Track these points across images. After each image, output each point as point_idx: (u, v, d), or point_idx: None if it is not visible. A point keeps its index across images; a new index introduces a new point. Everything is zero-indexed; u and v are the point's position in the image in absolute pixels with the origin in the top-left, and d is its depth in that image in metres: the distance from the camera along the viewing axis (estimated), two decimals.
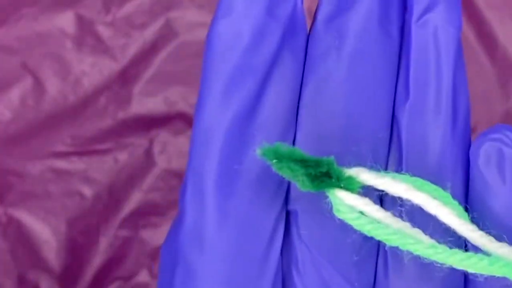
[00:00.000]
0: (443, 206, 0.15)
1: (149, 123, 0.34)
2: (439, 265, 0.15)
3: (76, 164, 0.34)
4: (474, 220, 0.15)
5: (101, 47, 0.34)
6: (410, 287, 0.16)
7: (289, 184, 0.16)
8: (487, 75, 0.34)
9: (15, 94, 0.34)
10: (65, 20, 0.34)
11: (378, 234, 0.15)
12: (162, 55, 0.34)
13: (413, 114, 0.15)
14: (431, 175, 0.15)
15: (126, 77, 0.34)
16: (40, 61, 0.34)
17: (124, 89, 0.34)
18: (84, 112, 0.34)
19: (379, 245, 0.16)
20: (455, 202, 0.15)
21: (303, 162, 0.14)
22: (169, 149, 0.34)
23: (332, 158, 0.14)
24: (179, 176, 0.34)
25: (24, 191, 0.34)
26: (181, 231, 0.16)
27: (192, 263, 0.16)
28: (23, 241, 0.34)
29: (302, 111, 0.15)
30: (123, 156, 0.34)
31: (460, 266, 0.15)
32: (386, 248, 0.16)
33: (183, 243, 0.16)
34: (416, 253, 0.15)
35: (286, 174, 0.14)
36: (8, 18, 0.33)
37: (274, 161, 0.14)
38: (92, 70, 0.34)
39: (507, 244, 0.15)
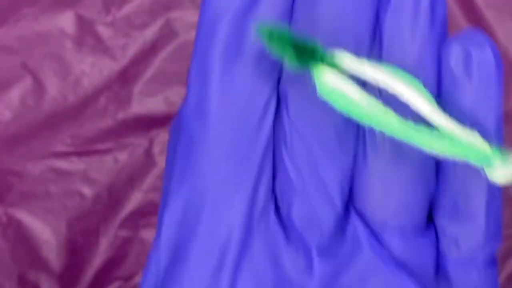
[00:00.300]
0: (417, 95, 0.17)
1: (149, 123, 0.34)
2: (411, 147, 0.17)
3: (76, 164, 0.34)
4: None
5: (101, 47, 0.34)
6: (386, 167, 0.18)
7: (281, 67, 0.18)
8: None
9: (15, 94, 0.34)
10: (65, 20, 0.34)
11: (353, 110, 0.17)
12: (162, 55, 0.34)
13: (393, 17, 0.17)
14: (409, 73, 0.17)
15: (126, 77, 0.34)
16: (40, 61, 0.34)
17: (124, 89, 0.34)
18: (84, 112, 0.34)
19: (359, 129, 0.18)
20: (428, 94, 0.17)
21: (292, 40, 0.16)
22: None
23: (314, 39, 0.16)
24: None
25: (24, 191, 0.34)
26: (185, 107, 0.18)
27: (194, 131, 0.18)
28: (23, 241, 0.34)
29: (296, 10, 0.18)
30: (123, 156, 0.34)
31: (426, 145, 0.17)
32: (365, 131, 0.18)
33: (186, 115, 0.18)
34: (387, 131, 0.17)
35: (276, 50, 0.16)
36: (8, 18, 0.33)
37: (267, 37, 0.16)
38: (92, 70, 0.34)
39: (472, 131, 0.17)
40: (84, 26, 0.34)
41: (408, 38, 0.18)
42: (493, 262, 0.20)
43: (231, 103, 0.18)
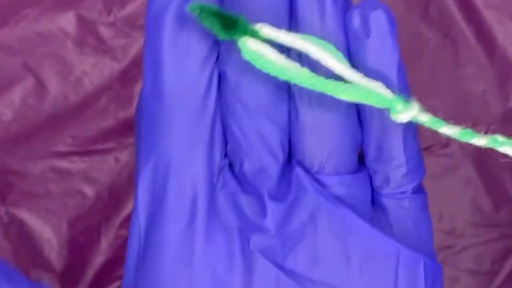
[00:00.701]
0: (325, 52, 0.20)
1: None
2: (335, 101, 0.21)
3: (77, 164, 0.34)
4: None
5: (102, 48, 0.34)
6: (316, 120, 0.21)
7: (219, 48, 0.21)
8: (486, 75, 0.34)
9: (16, 94, 0.34)
10: (66, 21, 0.34)
11: (274, 70, 0.20)
12: None
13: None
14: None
15: (127, 77, 0.34)
16: (41, 62, 0.34)
17: (125, 89, 0.34)
18: (85, 112, 0.34)
19: (289, 90, 0.22)
20: (339, 53, 0.20)
21: (219, 15, 0.19)
22: None
23: (240, 15, 0.19)
24: None
25: (25, 191, 0.34)
26: (143, 90, 0.22)
27: (153, 110, 0.22)
28: (25, 241, 0.34)
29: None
30: (124, 156, 0.34)
31: (336, 94, 0.20)
32: (294, 92, 0.21)
33: (146, 97, 0.22)
34: (303, 84, 0.20)
35: (206, 24, 0.19)
36: (10, 18, 0.33)
37: (199, 14, 0.19)
38: (93, 70, 0.34)
39: (376, 81, 0.20)
40: (85, 26, 0.34)
41: (318, 15, 0.21)
42: (420, 190, 0.23)
43: (180, 82, 0.21)
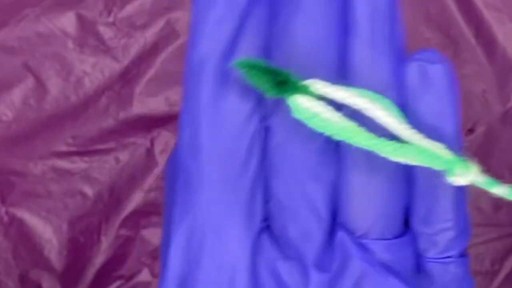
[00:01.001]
0: (382, 109, 0.19)
1: (150, 123, 0.34)
2: (385, 163, 0.19)
3: (77, 164, 0.34)
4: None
5: (102, 48, 0.34)
6: (364, 182, 0.20)
7: (264, 101, 0.20)
8: (486, 75, 0.34)
9: (17, 94, 0.34)
10: (67, 21, 0.34)
11: (329, 130, 0.18)
12: (163, 55, 0.34)
13: (360, 44, 0.19)
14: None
15: (127, 77, 0.34)
16: (42, 62, 0.34)
17: (126, 89, 0.34)
18: (86, 112, 0.34)
19: (338, 149, 0.20)
20: (395, 107, 0.19)
21: (267, 71, 0.18)
22: (170, 148, 0.35)
23: (289, 70, 0.18)
24: None
25: (26, 190, 0.34)
26: (179, 146, 0.20)
27: (188, 168, 0.20)
28: (25, 241, 0.34)
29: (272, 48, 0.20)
30: (124, 156, 0.34)
31: (394, 156, 0.19)
32: (344, 151, 0.20)
33: (181, 154, 0.20)
34: (359, 145, 0.19)
35: (253, 81, 0.18)
36: (10, 19, 0.33)
37: (246, 70, 0.18)
38: (93, 70, 0.34)
39: (435, 141, 0.19)
40: (86, 26, 0.34)
41: (371, 65, 0.19)
42: (465, 253, 0.22)
43: (220, 139, 0.20)
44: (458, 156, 0.19)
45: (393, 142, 0.19)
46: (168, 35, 0.34)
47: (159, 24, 0.34)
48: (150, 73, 0.34)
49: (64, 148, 0.34)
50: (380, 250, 0.21)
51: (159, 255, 0.35)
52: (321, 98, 0.19)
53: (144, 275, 0.34)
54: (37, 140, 0.34)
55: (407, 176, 0.21)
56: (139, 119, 0.34)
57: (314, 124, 0.18)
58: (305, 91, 0.18)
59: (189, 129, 0.20)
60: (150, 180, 0.34)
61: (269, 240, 0.21)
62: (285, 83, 0.18)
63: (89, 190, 0.34)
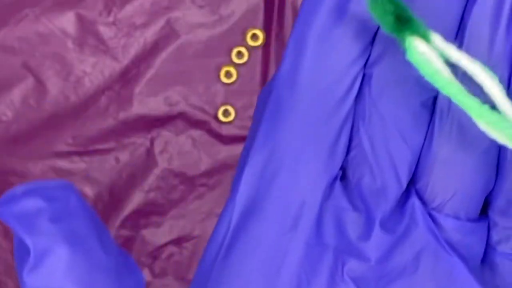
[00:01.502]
0: (491, 79, 0.18)
1: (150, 123, 0.34)
2: (477, 139, 0.18)
3: (77, 164, 0.34)
4: None
5: (102, 48, 0.34)
6: (451, 154, 0.20)
7: (370, 51, 0.19)
8: None
9: (16, 94, 0.34)
10: (67, 21, 0.34)
11: (437, 80, 0.18)
12: (163, 55, 0.34)
13: (477, 15, 0.19)
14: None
15: (127, 77, 0.34)
16: (42, 62, 0.34)
17: (125, 89, 0.34)
18: (85, 112, 0.34)
19: (433, 112, 0.20)
20: (502, 86, 0.18)
21: (394, 6, 0.17)
22: (170, 148, 0.35)
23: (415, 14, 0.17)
24: (180, 176, 0.35)
25: None
26: (278, 74, 0.20)
27: (283, 97, 0.20)
28: None
29: None
30: (124, 156, 0.34)
31: (489, 126, 0.18)
32: (437, 113, 0.19)
33: (278, 82, 0.20)
34: (461, 104, 0.18)
35: (377, 12, 0.18)
36: (10, 18, 0.33)
37: (372, 2, 0.18)
38: (93, 70, 0.34)
39: None
40: (85, 26, 0.34)
41: (488, 36, 0.19)
42: None
43: (321, 76, 0.19)
44: None
45: (494, 112, 0.18)
46: (168, 35, 0.34)
47: (159, 24, 0.34)
48: (150, 73, 0.34)
49: (64, 148, 0.34)
50: (450, 228, 0.20)
51: (159, 255, 0.35)
52: (436, 50, 0.18)
53: (144, 275, 0.34)
54: (37, 140, 0.34)
55: (497, 161, 0.20)
56: (139, 119, 0.34)
57: (424, 71, 0.18)
58: (424, 36, 0.18)
59: (292, 58, 0.20)
60: (150, 180, 0.34)
61: (341, 188, 0.20)
62: (408, 22, 0.18)
63: (89, 190, 0.34)
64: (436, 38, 0.18)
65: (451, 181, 0.20)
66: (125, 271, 0.21)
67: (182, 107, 0.34)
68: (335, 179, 0.20)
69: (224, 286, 0.20)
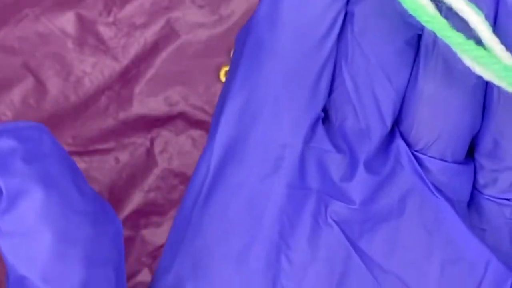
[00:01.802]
0: (477, 16, 0.18)
1: (150, 123, 0.34)
2: (467, 74, 0.18)
3: (77, 164, 0.34)
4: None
5: (102, 47, 0.34)
6: (436, 92, 0.19)
7: None
8: None
9: (16, 94, 0.34)
10: (66, 21, 0.34)
11: (421, 15, 0.17)
12: (163, 55, 0.34)
13: None
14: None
15: (127, 77, 0.34)
16: (41, 61, 0.34)
17: (125, 89, 0.34)
18: (85, 112, 0.34)
19: (418, 50, 0.19)
20: (487, 22, 0.18)
21: None
22: (170, 149, 0.35)
23: None
24: (180, 176, 0.35)
25: None
26: (256, 14, 0.19)
27: (261, 37, 0.19)
28: None
29: None
30: (124, 156, 0.34)
31: (473, 60, 0.17)
32: (421, 50, 0.19)
33: (257, 22, 0.19)
34: (447, 40, 0.17)
35: None
36: (10, 18, 0.33)
37: None
38: (93, 70, 0.34)
39: None
40: (85, 26, 0.34)
41: None
42: None
43: (301, 15, 0.19)
44: None
45: (480, 47, 0.18)
46: (168, 35, 0.34)
47: (159, 24, 0.34)
48: (150, 73, 0.34)
49: (64, 148, 0.34)
50: (436, 170, 0.20)
51: (159, 255, 0.35)
52: None
53: (144, 275, 0.34)
54: None
55: (484, 102, 0.19)
56: (139, 119, 0.34)
57: (408, 6, 0.18)
58: None
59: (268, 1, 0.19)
60: (150, 180, 0.34)
61: (324, 131, 0.20)
62: None
63: None
64: None
65: (437, 121, 0.19)
66: (103, 218, 0.20)
67: (182, 107, 0.34)
68: (317, 120, 0.20)
69: (204, 233, 0.20)
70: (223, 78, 0.34)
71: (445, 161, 0.20)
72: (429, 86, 0.19)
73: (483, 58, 0.17)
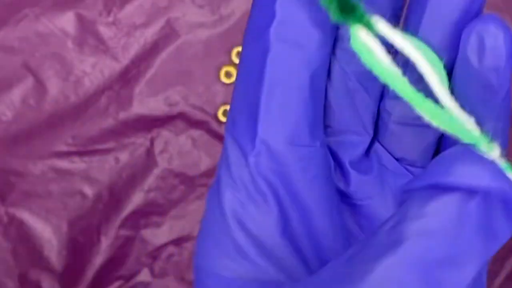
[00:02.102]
0: (432, 69, 0.19)
1: (150, 123, 0.34)
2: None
3: (77, 164, 0.34)
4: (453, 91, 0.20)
5: (102, 47, 0.34)
6: (405, 112, 0.21)
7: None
8: None
9: (16, 94, 0.34)
10: (66, 21, 0.34)
11: (376, 69, 0.19)
12: (162, 55, 0.34)
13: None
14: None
15: (127, 77, 0.34)
16: (41, 61, 0.34)
17: (125, 89, 0.34)
18: (85, 112, 0.34)
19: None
20: (444, 72, 0.19)
21: None
22: (170, 149, 0.35)
23: (360, 2, 0.18)
24: (180, 176, 0.35)
25: (26, 190, 0.34)
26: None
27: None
28: (25, 241, 0.34)
29: None
30: (124, 156, 0.34)
31: (426, 114, 0.19)
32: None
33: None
34: (400, 93, 0.19)
35: (324, 2, 0.18)
36: (10, 18, 0.33)
37: None
38: (93, 70, 0.34)
39: (469, 116, 0.19)
40: (85, 26, 0.34)
41: (433, 22, 0.20)
42: None
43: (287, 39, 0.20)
44: (483, 135, 0.19)
45: (431, 102, 0.19)
46: (168, 35, 0.34)
47: (159, 24, 0.34)
48: (150, 73, 0.34)
49: (64, 148, 0.34)
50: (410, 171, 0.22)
51: (159, 255, 0.35)
52: (380, 36, 0.19)
53: (144, 275, 0.34)
54: (37, 140, 0.34)
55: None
56: (139, 119, 0.34)
57: (365, 60, 0.19)
58: (367, 25, 0.19)
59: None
60: (149, 180, 0.34)
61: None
62: (352, 12, 0.18)
63: (88, 190, 0.34)
64: (381, 25, 0.19)
65: (405, 135, 0.22)
66: None
67: (182, 107, 0.34)
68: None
69: None
70: (223, 78, 0.34)
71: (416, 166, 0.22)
72: (397, 106, 0.21)
73: (436, 114, 0.19)
